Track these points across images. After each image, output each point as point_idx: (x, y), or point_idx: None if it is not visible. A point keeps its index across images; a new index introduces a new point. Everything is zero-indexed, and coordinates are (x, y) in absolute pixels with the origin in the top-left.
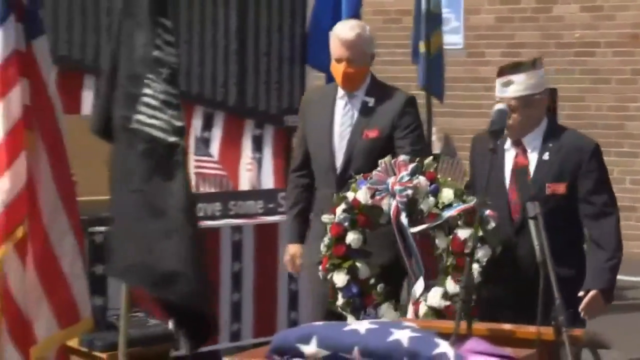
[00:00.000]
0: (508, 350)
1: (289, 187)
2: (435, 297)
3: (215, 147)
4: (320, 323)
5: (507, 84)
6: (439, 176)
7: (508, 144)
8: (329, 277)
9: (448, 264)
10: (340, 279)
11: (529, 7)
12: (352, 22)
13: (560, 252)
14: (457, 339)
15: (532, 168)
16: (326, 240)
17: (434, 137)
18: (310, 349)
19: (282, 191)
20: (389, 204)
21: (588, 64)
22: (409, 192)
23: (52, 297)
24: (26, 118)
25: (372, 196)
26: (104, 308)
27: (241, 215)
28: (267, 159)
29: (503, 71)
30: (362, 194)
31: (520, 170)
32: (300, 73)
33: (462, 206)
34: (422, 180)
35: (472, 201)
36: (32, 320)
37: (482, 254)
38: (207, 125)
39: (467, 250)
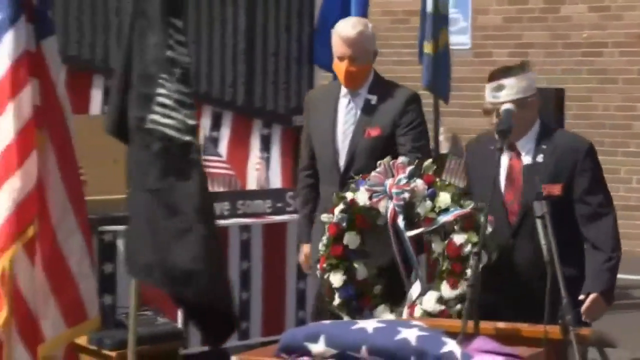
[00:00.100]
0: (515, 349)
1: (298, 186)
2: (430, 302)
3: (223, 147)
4: (328, 322)
5: (499, 88)
6: (437, 180)
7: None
8: (325, 276)
9: (443, 268)
10: (337, 279)
11: (536, 8)
12: (354, 20)
13: (562, 252)
14: (464, 338)
15: (526, 170)
16: (324, 239)
17: (441, 137)
18: (318, 347)
19: (290, 191)
20: (387, 206)
21: (595, 64)
22: (406, 195)
23: (60, 296)
24: (36, 118)
25: (370, 198)
26: (113, 306)
27: (249, 215)
28: (275, 158)
29: (494, 76)
30: (359, 195)
31: (514, 173)
32: (308, 73)
33: (459, 211)
34: (419, 183)
35: (469, 206)
36: (39, 318)
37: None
38: (216, 124)
39: (465, 254)
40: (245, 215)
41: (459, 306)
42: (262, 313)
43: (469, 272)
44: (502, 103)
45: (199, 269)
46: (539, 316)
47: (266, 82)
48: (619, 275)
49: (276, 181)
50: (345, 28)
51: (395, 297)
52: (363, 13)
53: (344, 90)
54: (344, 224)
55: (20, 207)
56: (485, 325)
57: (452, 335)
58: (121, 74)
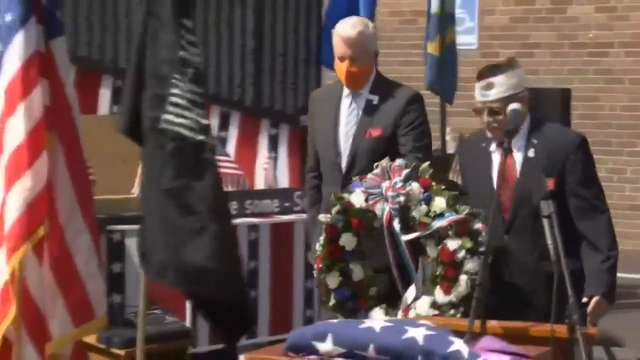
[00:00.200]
0: (522, 348)
1: (306, 187)
2: (423, 306)
3: (231, 147)
4: (336, 321)
5: (488, 87)
6: (433, 183)
7: (493, 146)
8: (321, 277)
9: (437, 273)
10: (332, 280)
11: (543, 8)
12: (354, 20)
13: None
14: (471, 337)
15: (518, 166)
16: (321, 240)
17: (448, 137)
18: (325, 346)
19: (297, 190)
20: (383, 209)
21: (602, 64)
22: (401, 198)
23: (67, 295)
24: (46, 118)
25: (366, 200)
26: (122, 305)
27: (257, 214)
28: (283, 158)
29: (482, 75)
30: (355, 197)
31: (507, 170)
32: (315, 73)
33: (454, 217)
34: (415, 187)
35: (464, 211)
36: (47, 317)
37: (471, 266)
38: (224, 124)
39: (458, 259)
40: (253, 214)
41: (452, 311)
42: (270, 312)
43: (462, 277)
44: (493, 101)
45: (213, 267)
46: (533, 311)
47: (274, 82)
48: (625, 275)
49: (284, 181)
50: (345, 28)
51: (391, 300)
52: (371, 13)
53: (346, 90)
54: (340, 225)
55: (31, 207)
56: (492, 324)
57: (459, 334)
58: (133, 74)
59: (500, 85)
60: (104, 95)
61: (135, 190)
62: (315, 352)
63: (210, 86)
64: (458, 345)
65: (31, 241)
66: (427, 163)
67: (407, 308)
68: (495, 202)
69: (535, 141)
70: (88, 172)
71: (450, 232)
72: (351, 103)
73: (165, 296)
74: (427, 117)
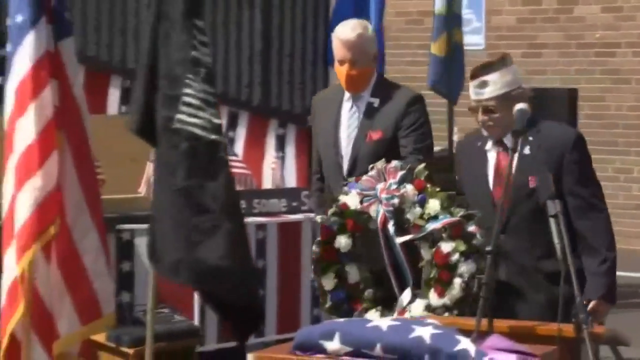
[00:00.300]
0: (529, 347)
1: (312, 189)
2: (418, 309)
3: (239, 146)
4: (343, 320)
5: (483, 85)
6: (427, 185)
7: (489, 144)
8: (317, 279)
9: (431, 276)
10: (328, 282)
11: (550, 8)
12: (353, 22)
13: (552, 247)
14: (478, 336)
15: (514, 164)
16: (317, 242)
17: (455, 137)
18: (333, 345)
19: (305, 190)
20: (377, 211)
21: (608, 64)
22: (395, 200)
23: (75, 293)
24: (56, 118)
25: (361, 202)
26: (131, 304)
27: (265, 214)
28: (291, 158)
29: (476, 73)
30: (350, 199)
31: (502, 168)
32: (323, 73)
33: (448, 219)
34: (409, 189)
35: (458, 213)
36: (55, 316)
37: (465, 268)
38: (232, 124)
39: (452, 262)
40: (260, 214)
41: (446, 314)
42: (278, 311)
43: (456, 280)
44: (487, 100)
45: (226, 266)
46: (531, 311)
47: (282, 82)
48: (631, 274)
49: (291, 180)
50: (345, 31)
51: (387, 302)
52: (380, 13)
53: (347, 94)
54: (335, 227)
55: (42, 206)
56: (499, 323)
57: (466, 333)
58: (144, 74)
59: (494, 84)
60: (113, 95)
61: (142, 190)
62: (322, 350)
63: (219, 86)
64: (465, 344)
65: (41, 241)
66: (423, 165)
67: (402, 310)
68: (489, 198)
69: (531, 138)
70: (96, 172)
71: (444, 235)
72: (352, 106)
73: (173, 295)
74: (429, 118)
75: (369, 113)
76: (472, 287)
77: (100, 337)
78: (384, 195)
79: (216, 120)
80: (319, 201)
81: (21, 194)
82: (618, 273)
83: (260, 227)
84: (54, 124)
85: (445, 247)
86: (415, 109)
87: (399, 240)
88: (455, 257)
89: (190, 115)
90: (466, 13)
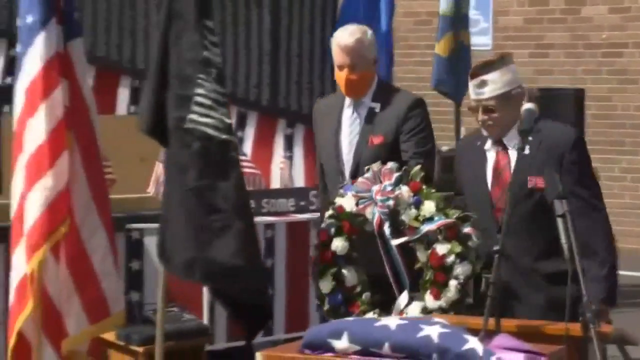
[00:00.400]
0: (537, 346)
1: (319, 191)
2: (414, 312)
3: (248, 146)
4: (351, 319)
5: (482, 85)
6: (423, 187)
7: (489, 144)
8: (315, 282)
9: (427, 278)
10: (325, 285)
11: (557, 9)
12: (352, 28)
13: (553, 247)
14: (486, 335)
15: (512, 164)
16: (315, 245)
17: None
18: (341, 344)
19: (313, 189)
20: (373, 213)
21: (616, 65)
22: (390, 202)
23: (83, 293)
24: (66, 118)
25: (357, 204)
26: (141, 303)
27: (273, 213)
28: (299, 157)
29: (475, 73)
30: (346, 201)
31: (501, 168)
32: (331, 73)
33: (443, 221)
34: (404, 190)
35: (454, 215)
36: (63, 315)
37: (461, 270)
38: (241, 124)
39: (448, 264)
40: (269, 213)
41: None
42: (286, 310)
43: (452, 283)
44: (487, 99)
45: (238, 264)
46: (529, 313)
47: (290, 82)
48: (638, 274)
49: (300, 180)
50: (343, 36)
51: (385, 305)
52: (390, 14)
53: (348, 100)
54: (332, 230)
55: (52, 206)
56: (506, 322)
57: (474, 332)
58: (155, 74)
59: (493, 83)
60: (122, 95)
61: (151, 190)
62: (331, 349)
63: (227, 86)
64: (473, 343)
65: (51, 241)
66: (419, 167)
67: (400, 314)
68: (487, 198)
69: (530, 138)
70: (104, 172)
71: (439, 237)
72: (353, 112)
73: (183, 294)
74: (433, 119)
75: (370, 118)
76: (469, 289)
77: (110, 336)
78: (379, 197)
79: (227, 120)
80: (325, 204)
81: (32, 194)
82: (624, 272)
83: (269, 226)
84: (64, 124)
85: (441, 248)
86: (416, 113)
87: (395, 242)
88: (451, 258)
89: (202, 115)
90: (474, 14)
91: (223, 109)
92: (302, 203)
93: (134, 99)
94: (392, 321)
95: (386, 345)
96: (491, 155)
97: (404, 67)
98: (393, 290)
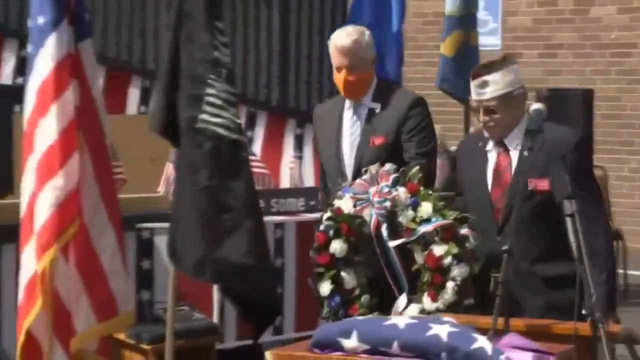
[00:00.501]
0: (545, 346)
1: (320, 193)
2: (412, 314)
3: (258, 146)
4: (361, 318)
5: (483, 85)
6: (420, 188)
7: (490, 145)
8: (314, 285)
9: (424, 280)
10: (324, 287)
11: (566, 9)
12: (349, 29)
13: (552, 250)
14: (495, 334)
15: (513, 165)
16: (314, 247)
17: None
18: (350, 343)
19: None
20: (371, 215)
21: (624, 65)
22: (387, 204)
23: (92, 292)
24: (77, 118)
25: (354, 205)
26: (151, 302)
27: (283, 213)
28: (308, 157)
29: (477, 73)
30: (344, 203)
31: (501, 169)
32: None
33: (440, 222)
34: (401, 192)
35: (451, 216)
36: (72, 314)
37: (458, 272)
38: (250, 124)
39: (445, 265)
40: (279, 213)
41: None
42: (296, 309)
43: (449, 284)
44: (489, 100)
45: (249, 263)
46: (530, 314)
47: (300, 82)
48: None
49: (309, 180)
50: (340, 37)
51: (384, 307)
52: (402, 14)
53: (347, 103)
54: (331, 232)
55: (62, 206)
56: (515, 321)
57: (483, 331)
58: (166, 74)
59: (495, 84)
60: (133, 95)
61: (161, 189)
62: (340, 348)
63: (237, 86)
64: (482, 342)
65: (61, 240)
66: (417, 168)
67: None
68: (487, 199)
69: (528, 145)
70: (113, 172)
71: (436, 238)
72: (353, 113)
73: (193, 293)
74: (432, 120)
75: (371, 119)
76: (464, 291)
77: (120, 335)
78: (376, 199)
79: (237, 120)
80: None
81: (42, 194)
82: (633, 272)
83: (279, 226)
84: (75, 124)
85: (438, 250)
86: (417, 112)
87: (392, 244)
88: (448, 260)
89: (213, 115)
90: (483, 14)
91: (233, 109)
92: (312, 203)
93: (144, 99)
94: (401, 320)
95: (395, 344)
96: (492, 156)
97: (413, 68)
98: (392, 292)
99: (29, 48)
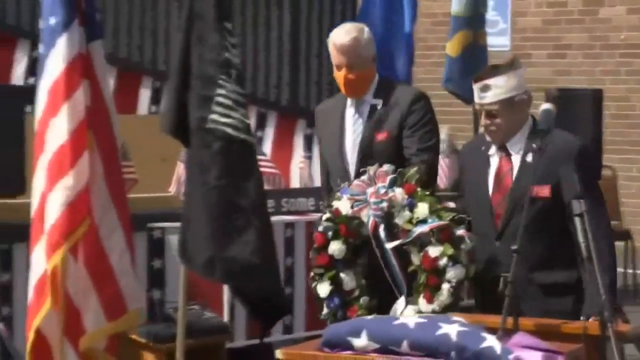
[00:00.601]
0: (554, 345)
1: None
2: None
3: (268, 146)
4: (370, 317)
5: (485, 88)
6: (417, 189)
7: (493, 149)
8: (313, 285)
9: (420, 281)
10: (323, 289)
11: (575, 10)
12: (348, 26)
13: (551, 257)
14: (504, 334)
15: (515, 171)
16: (314, 248)
17: None
18: (360, 342)
19: None
20: (368, 216)
21: (634, 65)
22: (384, 205)
23: (101, 291)
24: (88, 118)
25: (352, 206)
26: (162, 301)
27: (293, 212)
28: (318, 157)
29: (480, 76)
30: (342, 204)
31: (503, 174)
32: None
33: (436, 223)
34: (398, 193)
35: (447, 217)
36: (82, 312)
37: (453, 274)
38: (261, 124)
39: (440, 267)
40: (289, 212)
41: None
42: (306, 308)
43: (444, 286)
44: (489, 104)
45: (256, 262)
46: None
47: (310, 82)
48: None
49: (319, 180)
50: (339, 35)
51: (383, 309)
52: (413, 16)
53: (349, 100)
54: (330, 233)
55: (72, 206)
56: (524, 321)
57: (492, 330)
58: (177, 75)
59: (497, 88)
60: (144, 96)
61: (173, 189)
62: (350, 347)
63: (248, 87)
64: (491, 341)
65: (71, 240)
66: (415, 169)
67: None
68: (487, 204)
69: (534, 146)
70: (122, 172)
71: (432, 239)
72: (355, 111)
73: (203, 292)
74: (435, 115)
75: (373, 115)
76: (460, 293)
77: (131, 334)
78: (372, 200)
79: (246, 121)
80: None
81: (53, 193)
82: None
83: (289, 225)
84: (86, 124)
85: (433, 251)
86: (419, 107)
87: (389, 245)
88: (443, 261)
89: (222, 115)
90: (492, 15)
91: (243, 110)
92: (322, 202)
93: (155, 99)
94: (410, 319)
95: (405, 343)
96: (494, 161)
97: (422, 68)
98: (391, 294)
99: (41, 49)
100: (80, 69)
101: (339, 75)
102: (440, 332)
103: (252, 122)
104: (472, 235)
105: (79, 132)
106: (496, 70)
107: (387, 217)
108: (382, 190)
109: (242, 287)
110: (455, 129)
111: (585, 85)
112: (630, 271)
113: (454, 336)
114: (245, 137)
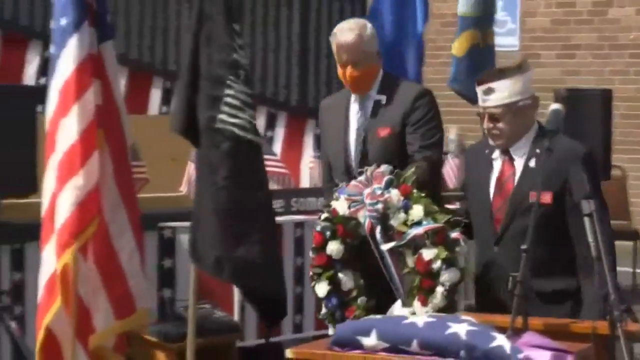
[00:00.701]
0: (564, 345)
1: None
2: None
3: (278, 146)
4: (380, 316)
5: (488, 92)
6: (413, 191)
7: (496, 153)
8: (312, 285)
9: (414, 284)
10: (321, 289)
11: (584, 10)
12: (351, 23)
13: (551, 264)
14: (513, 333)
15: (517, 176)
16: (312, 247)
17: None
18: (370, 341)
19: None
20: (365, 217)
21: None
22: (379, 206)
23: (110, 290)
24: (98, 118)
25: (349, 207)
26: (173, 300)
27: (303, 212)
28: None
29: (483, 79)
30: (339, 205)
31: (504, 179)
32: None
33: (430, 225)
34: (393, 194)
35: (442, 220)
36: (91, 311)
37: (447, 277)
38: (270, 124)
39: (434, 270)
40: (298, 212)
41: None
42: (316, 307)
43: (438, 289)
44: (494, 107)
45: (262, 261)
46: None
47: (319, 83)
48: None
49: None
50: (342, 33)
51: (381, 310)
52: (425, 17)
53: (353, 96)
54: (328, 234)
55: (82, 205)
56: (534, 320)
57: (502, 330)
58: (187, 75)
59: (500, 91)
60: (155, 96)
61: (184, 189)
62: (359, 346)
63: (257, 87)
64: (500, 340)
65: (81, 239)
66: (412, 169)
67: None
68: (488, 208)
69: (538, 151)
70: (132, 172)
71: (427, 241)
72: (360, 107)
73: (214, 291)
74: (439, 112)
75: (376, 110)
76: (454, 296)
77: (142, 332)
78: (367, 201)
79: (253, 121)
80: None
81: (63, 193)
82: None
83: (298, 225)
84: (96, 124)
85: (427, 254)
86: (423, 103)
87: (384, 247)
88: (437, 264)
89: (230, 115)
90: (501, 15)
91: (250, 110)
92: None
93: (166, 99)
94: (420, 319)
95: (414, 342)
96: (497, 165)
97: (432, 68)
98: (389, 295)
99: (52, 49)
100: (90, 69)
101: (344, 73)
102: (449, 331)
103: (262, 122)
104: (474, 240)
105: (89, 132)
106: (502, 74)
107: (383, 219)
108: (378, 192)
109: (249, 286)
110: (465, 129)
111: (594, 86)
112: (639, 271)
113: (463, 335)
114: (252, 138)
